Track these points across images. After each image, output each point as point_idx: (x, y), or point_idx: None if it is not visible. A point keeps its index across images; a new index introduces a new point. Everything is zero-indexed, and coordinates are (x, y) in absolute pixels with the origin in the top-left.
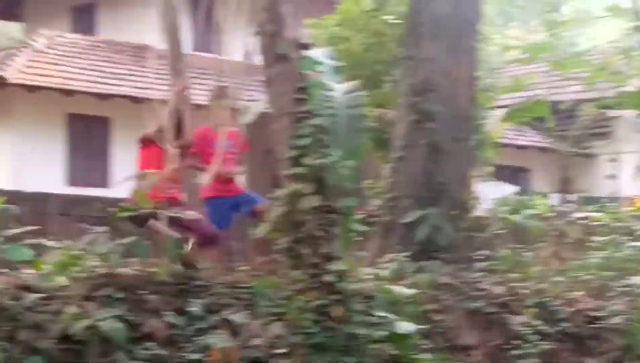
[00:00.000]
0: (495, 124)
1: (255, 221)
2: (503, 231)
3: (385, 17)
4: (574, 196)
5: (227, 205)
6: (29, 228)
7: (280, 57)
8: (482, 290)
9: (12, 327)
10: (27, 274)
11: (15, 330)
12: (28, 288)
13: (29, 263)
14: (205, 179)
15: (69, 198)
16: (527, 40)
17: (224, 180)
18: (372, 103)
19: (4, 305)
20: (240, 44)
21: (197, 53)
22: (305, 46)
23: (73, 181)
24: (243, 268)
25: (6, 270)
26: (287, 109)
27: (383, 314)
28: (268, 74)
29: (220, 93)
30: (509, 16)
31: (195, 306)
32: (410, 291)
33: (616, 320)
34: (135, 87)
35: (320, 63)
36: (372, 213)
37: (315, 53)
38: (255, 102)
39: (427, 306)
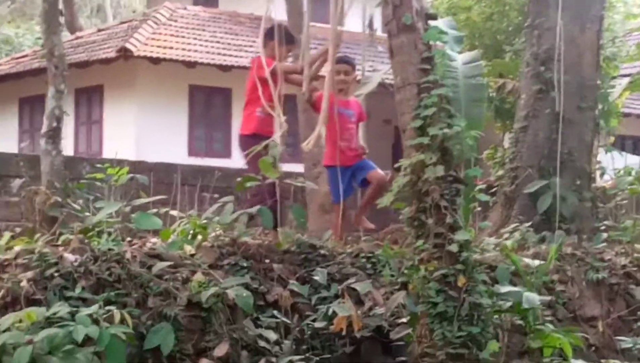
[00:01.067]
0: (619, 93)
1: (368, 188)
2: (627, 202)
3: None
4: None
5: (346, 174)
6: (156, 197)
7: (406, 28)
8: (606, 260)
9: (142, 294)
10: (155, 242)
11: (144, 297)
12: (157, 256)
13: (155, 232)
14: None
15: (193, 168)
16: None
17: (342, 148)
18: (492, 73)
19: (135, 272)
20: (359, 15)
21: (317, 24)
22: (432, 16)
23: (195, 152)
24: (366, 237)
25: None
26: (412, 79)
27: (506, 284)
28: (392, 45)
29: (338, 62)
30: None
31: (319, 275)
32: (534, 261)
33: None
34: None
35: (444, 33)
36: (493, 183)
37: (439, 23)
38: (375, 72)
39: (551, 277)
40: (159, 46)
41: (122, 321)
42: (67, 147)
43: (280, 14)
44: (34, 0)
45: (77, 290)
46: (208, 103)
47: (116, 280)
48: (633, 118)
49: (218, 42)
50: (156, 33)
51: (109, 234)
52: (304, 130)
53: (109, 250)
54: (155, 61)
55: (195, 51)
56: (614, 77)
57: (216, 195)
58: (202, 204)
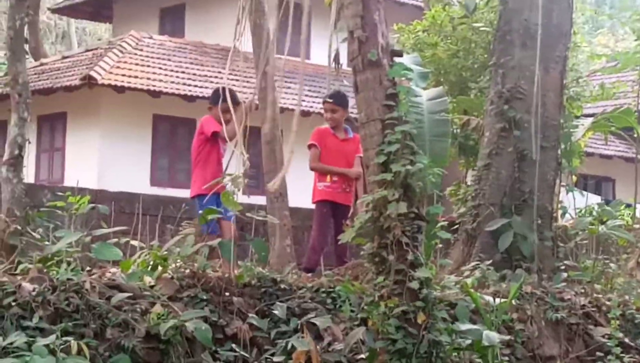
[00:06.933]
0: (582, 133)
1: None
2: (587, 241)
3: (473, 24)
4: None
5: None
6: (117, 228)
7: (371, 64)
8: (566, 300)
9: (100, 325)
10: (115, 273)
11: (103, 328)
12: (117, 287)
13: (115, 262)
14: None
15: (155, 198)
16: (616, 48)
17: None
18: (457, 110)
19: (93, 302)
20: (325, 47)
21: (283, 56)
22: (397, 53)
23: (157, 182)
24: (327, 272)
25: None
26: (376, 115)
27: (466, 322)
28: (357, 80)
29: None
30: (597, 24)
31: (278, 310)
32: (494, 299)
33: None
34: None
35: (409, 70)
36: (455, 220)
37: (404, 59)
38: None
39: (510, 316)
40: (123, 75)
41: (80, 352)
42: (29, 174)
43: (246, 46)
44: None
45: (35, 320)
46: (172, 133)
47: (74, 311)
48: (596, 158)
49: (183, 72)
50: (121, 62)
51: (69, 264)
52: (266, 163)
53: (68, 279)
54: (120, 89)
55: (160, 80)
56: (578, 117)
57: (180, 227)
58: (163, 234)
